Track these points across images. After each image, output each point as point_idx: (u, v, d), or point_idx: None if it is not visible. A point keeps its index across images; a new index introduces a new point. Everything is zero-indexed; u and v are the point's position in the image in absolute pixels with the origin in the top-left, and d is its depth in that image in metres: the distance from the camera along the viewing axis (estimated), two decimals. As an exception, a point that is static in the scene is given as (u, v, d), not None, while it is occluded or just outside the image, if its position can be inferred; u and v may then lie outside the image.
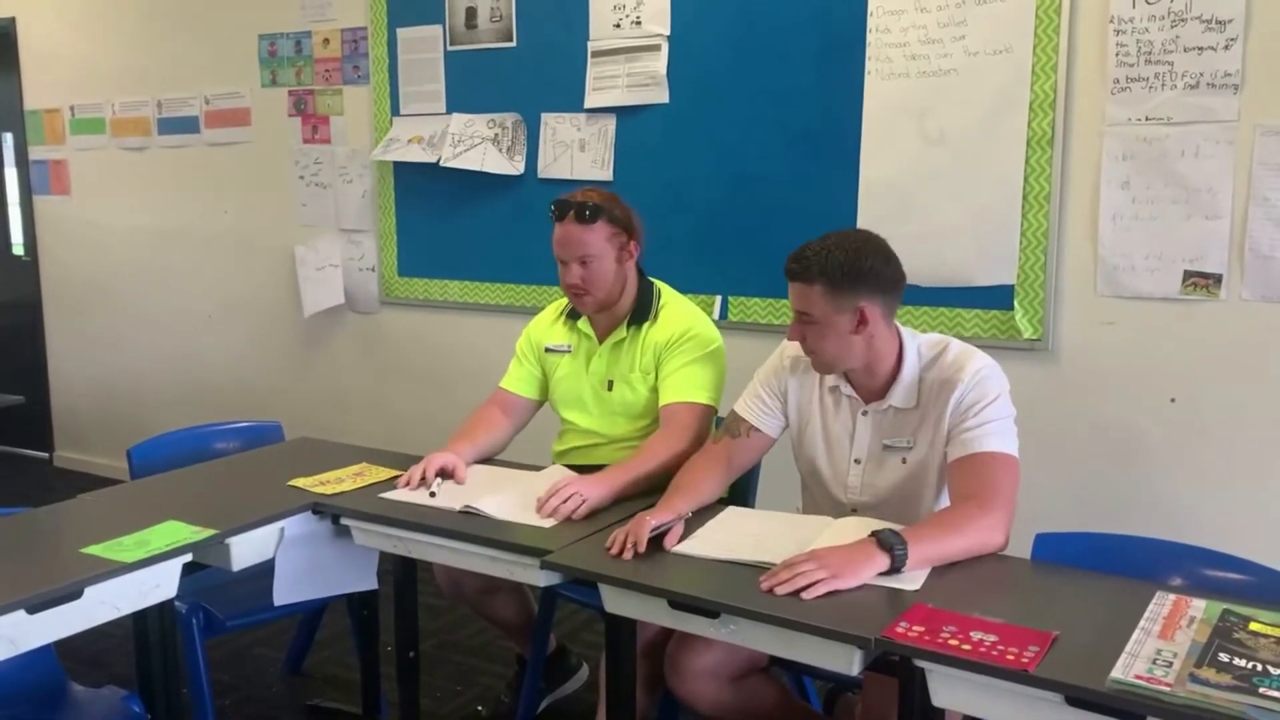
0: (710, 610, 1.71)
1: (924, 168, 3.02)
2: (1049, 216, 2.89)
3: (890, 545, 1.77)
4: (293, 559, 2.22)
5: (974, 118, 2.95)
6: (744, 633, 1.69)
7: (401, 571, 2.44)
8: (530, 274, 3.78)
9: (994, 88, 2.91)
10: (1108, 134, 2.80)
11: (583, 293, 2.50)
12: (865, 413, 2.13)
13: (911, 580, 1.77)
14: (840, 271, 2.00)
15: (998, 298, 2.98)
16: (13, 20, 5.08)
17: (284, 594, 2.23)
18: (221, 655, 3.10)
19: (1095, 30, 2.79)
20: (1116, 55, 2.76)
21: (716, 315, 3.41)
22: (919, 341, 2.11)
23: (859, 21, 3.07)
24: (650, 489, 2.26)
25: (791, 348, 2.21)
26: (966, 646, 1.51)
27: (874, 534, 1.81)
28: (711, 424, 2.48)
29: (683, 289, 3.49)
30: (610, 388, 2.57)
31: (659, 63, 3.42)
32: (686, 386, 2.46)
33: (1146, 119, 2.75)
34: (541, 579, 1.97)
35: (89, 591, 1.82)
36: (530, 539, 2.01)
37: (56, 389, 5.37)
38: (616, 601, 1.86)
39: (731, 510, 2.18)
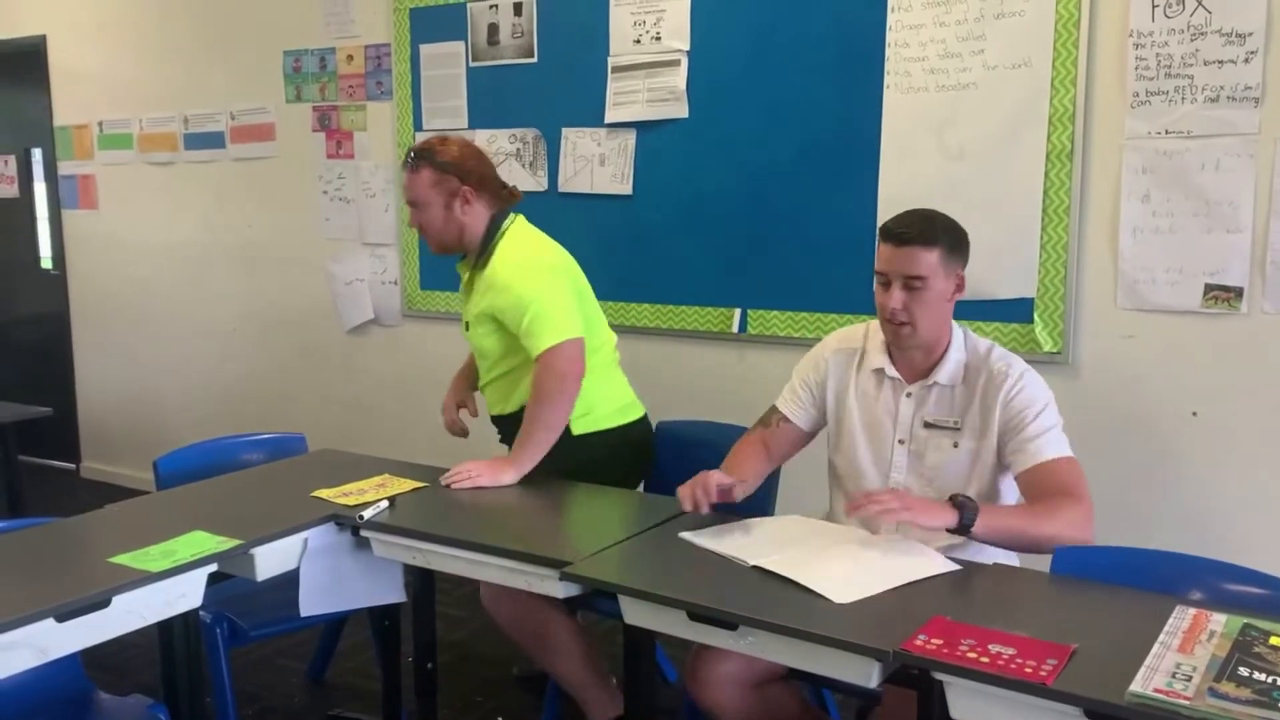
0: (729, 622, 1.72)
1: (943, 182, 3.02)
2: (1069, 230, 2.89)
3: (961, 505, 1.89)
4: (317, 570, 2.24)
5: (993, 131, 2.96)
6: (763, 645, 1.70)
7: (420, 583, 2.47)
8: (551, 287, 3.80)
9: (1013, 102, 2.92)
10: (1128, 147, 2.80)
11: (422, 236, 2.70)
12: (909, 394, 2.17)
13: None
14: (956, 236, 2.09)
15: (1017, 311, 2.98)
16: (43, 38, 5.17)
17: (310, 605, 2.25)
18: (243, 665, 3.12)
19: (1115, 44, 2.80)
20: (1136, 69, 2.76)
21: (736, 328, 3.43)
22: (958, 326, 2.20)
23: (878, 36, 3.08)
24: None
25: (834, 341, 2.30)
26: (985, 659, 1.51)
27: (951, 496, 1.93)
28: (570, 356, 2.52)
29: (702, 302, 3.55)
30: (468, 329, 2.72)
31: (679, 78, 3.44)
32: (531, 340, 2.54)
33: (1166, 132, 2.74)
34: (560, 590, 1.98)
35: (117, 600, 1.85)
36: (550, 549, 2.02)
37: (83, 401, 5.44)
38: (636, 613, 1.87)
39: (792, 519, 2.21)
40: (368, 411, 4.41)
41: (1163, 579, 1.85)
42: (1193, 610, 1.67)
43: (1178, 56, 2.71)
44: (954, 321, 2.18)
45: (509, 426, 2.71)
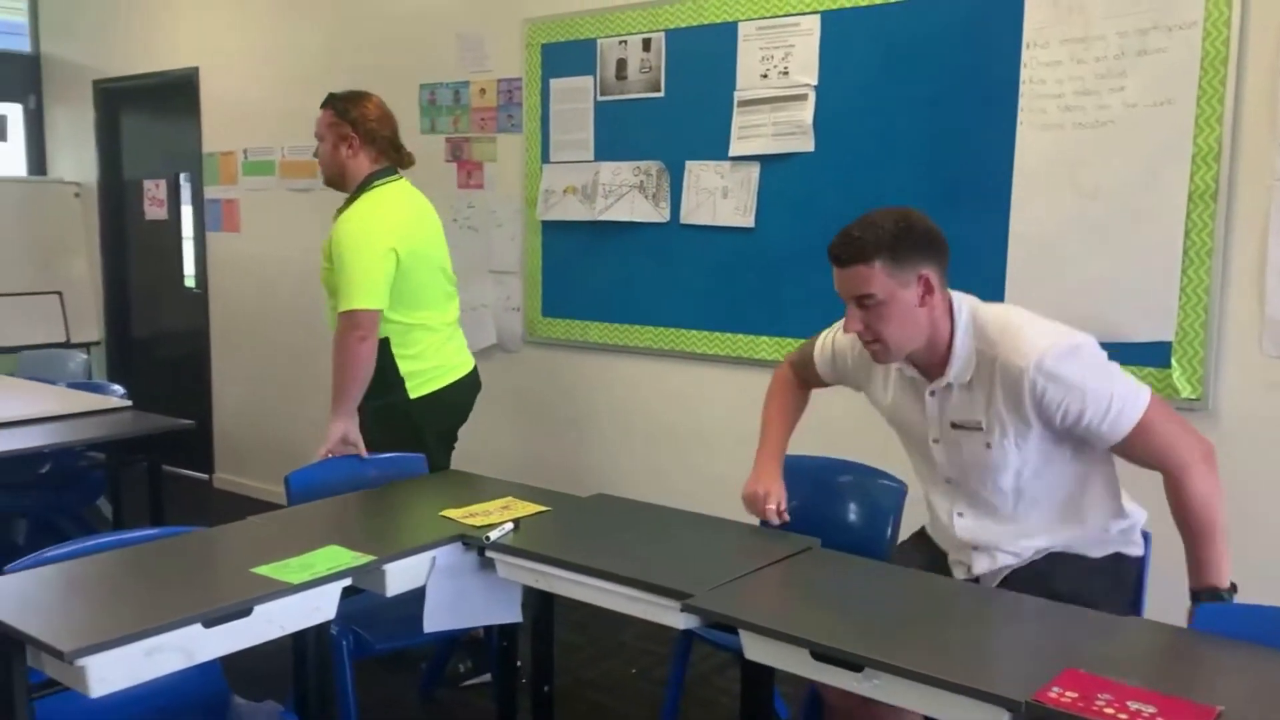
0: (854, 663, 1.70)
1: (1077, 220, 2.96)
2: (1211, 272, 2.79)
3: (1206, 600, 1.90)
4: (442, 587, 2.30)
5: (1132, 171, 2.88)
6: (888, 688, 1.68)
7: (540, 605, 2.50)
8: (670, 317, 3.84)
9: (1154, 140, 2.84)
10: (1277, 187, 2.70)
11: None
12: (932, 393, 2.11)
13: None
14: (896, 242, 1.96)
15: (1154, 355, 2.88)
16: (196, 70, 5.48)
17: (433, 621, 2.31)
18: (358, 677, 3.21)
19: (1264, 81, 2.70)
20: (1288, 107, 2.67)
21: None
22: (967, 309, 2.06)
23: (1012, 72, 3.04)
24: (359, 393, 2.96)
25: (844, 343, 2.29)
26: (1123, 716, 1.46)
27: (1193, 601, 1.92)
28: (359, 322, 2.90)
29: (822, 335, 3.52)
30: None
31: (805, 112, 3.45)
32: (339, 295, 2.94)
33: (1320, 173, 2.63)
34: (681, 621, 1.99)
35: (258, 609, 1.92)
36: (672, 580, 2.03)
37: (219, 414, 5.69)
38: (757, 649, 1.86)
39: None
40: (488, 434, 4.50)
41: (1313, 642, 1.76)
42: (1349, 677, 1.59)
43: (1334, 95, 2.60)
44: (959, 302, 2.06)
45: None
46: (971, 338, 2.03)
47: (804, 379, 2.49)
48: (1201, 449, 1.96)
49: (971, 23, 3.12)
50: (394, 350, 3.05)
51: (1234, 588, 1.93)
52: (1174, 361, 2.85)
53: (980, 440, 2.06)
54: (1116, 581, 2.12)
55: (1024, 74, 3.02)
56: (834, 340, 2.35)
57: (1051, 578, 2.06)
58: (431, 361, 3.14)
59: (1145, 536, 2.19)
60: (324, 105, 3.10)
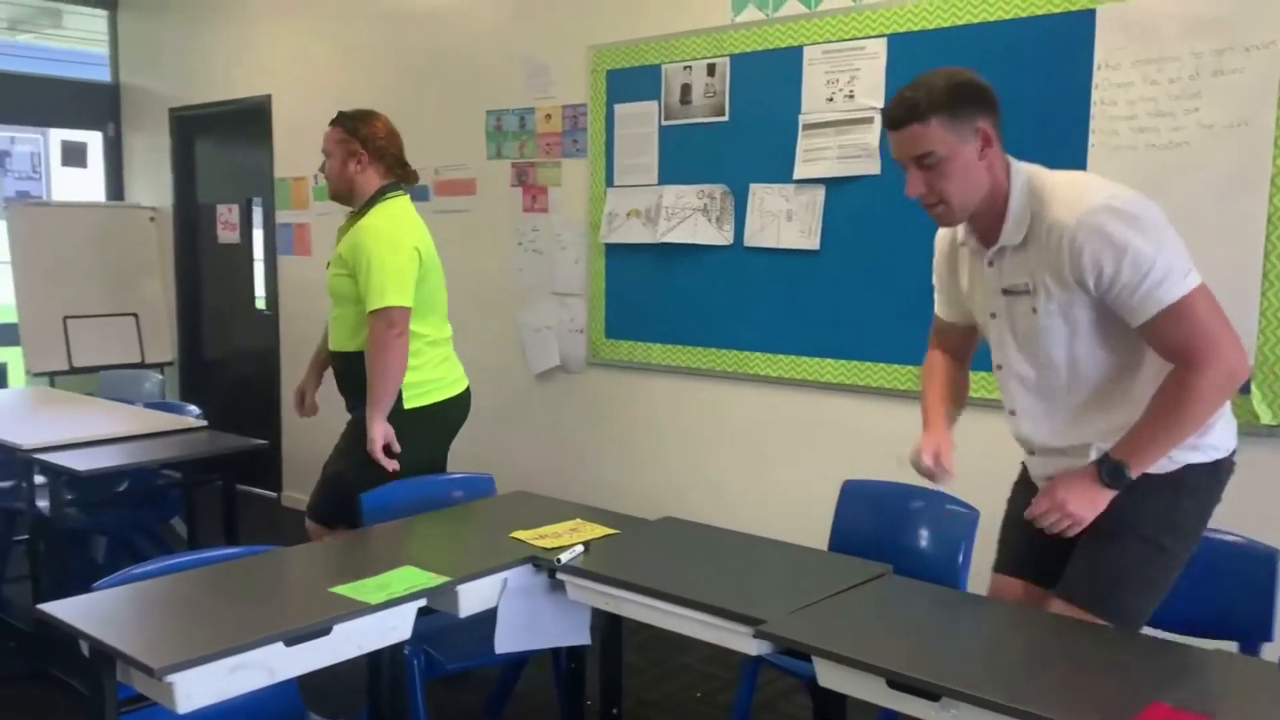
0: (932, 693, 1.69)
1: (1151, 243, 2.91)
2: (1292, 296, 2.73)
3: (1107, 472, 1.91)
4: (514, 609, 2.32)
5: (1207, 192, 2.83)
6: (966, 719, 1.66)
7: (608, 628, 2.52)
8: (735, 339, 3.85)
9: (1230, 162, 2.79)
10: (1361, 210, 2.64)
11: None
12: (990, 262, 2.06)
13: None
14: (951, 96, 1.92)
15: (1232, 380, 2.82)
16: (268, 97, 5.62)
17: (504, 643, 2.33)
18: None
19: (1347, 101, 2.65)
20: (1372, 127, 2.61)
21: (925, 388, 3.37)
22: (1025, 171, 1.99)
23: (1082, 93, 3.01)
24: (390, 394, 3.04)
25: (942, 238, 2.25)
26: (1212, 753, 1.43)
27: (1096, 465, 1.93)
28: (392, 319, 2.99)
29: (891, 360, 3.51)
30: (329, 268, 3.17)
31: (871, 135, 3.45)
32: (367, 294, 3.01)
33: (1407, 194, 2.57)
34: (754, 648, 1.99)
35: (337, 629, 1.96)
36: (744, 605, 2.03)
37: (287, 433, 5.80)
38: (831, 676, 1.85)
39: None
40: (551, 455, 4.54)
41: None
42: None
43: None
44: (1015, 165, 1.99)
45: (346, 363, 3.20)
46: (1026, 197, 1.96)
47: (947, 347, 2.39)
48: (1232, 362, 1.84)
49: (1040, 45, 3.10)
50: None
51: (1132, 481, 1.91)
52: (1254, 387, 2.79)
53: (1027, 304, 1.99)
54: (1175, 501, 1.98)
55: (1095, 95, 2.99)
56: (934, 280, 2.34)
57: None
58: (431, 374, 3.19)
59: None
60: (333, 123, 3.20)
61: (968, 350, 2.40)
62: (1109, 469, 1.91)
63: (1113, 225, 1.84)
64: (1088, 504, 1.93)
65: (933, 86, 1.94)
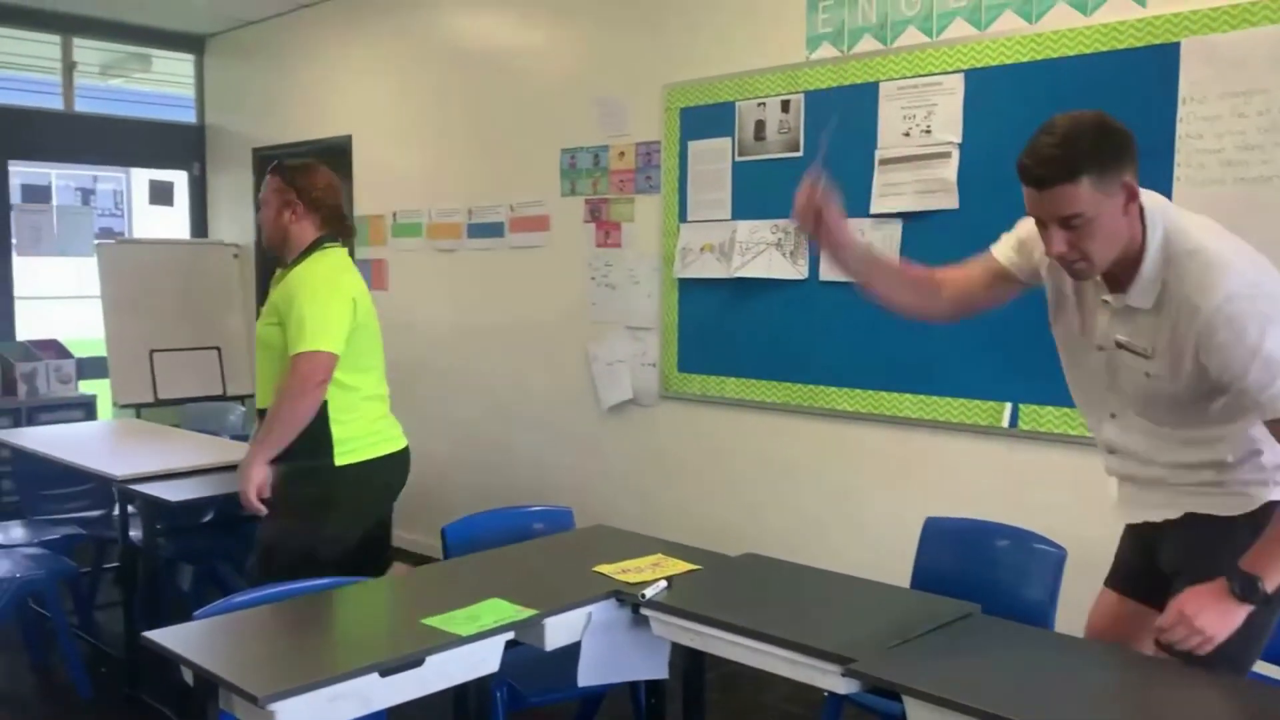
0: (1029, 735, 1.67)
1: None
2: (1391, 331, 2.66)
3: (1242, 587, 1.80)
4: (598, 643, 2.33)
5: (1300, 226, 2.78)
6: (1066, 762, 1.64)
7: (690, 663, 2.52)
8: (810, 374, 3.84)
9: (1324, 194, 2.74)
10: None
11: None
12: (1106, 301, 1.99)
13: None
14: (1102, 151, 1.80)
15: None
16: (349, 137, 5.78)
17: (587, 676, 2.34)
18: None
19: None
20: None
21: (1006, 423, 3.34)
22: (1161, 228, 1.88)
23: (1168, 126, 2.98)
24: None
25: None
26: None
27: (1226, 579, 1.82)
28: (317, 364, 2.86)
29: (969, 394, 3.48)
30: (258, 317, 3.09)
31: (949, 170, 3.44)
32: (291, 338, 2.89)
33: None
34: (842, 686, 1.97)
35: (430, 660, 2.00)
36: (831, 643, 2.02)
37: (363, 465, 5.89)
38: (923, 717, 1.83)
39: None
40: (624, 488, 4.57)
41: None
42: None
43: None
44: (1153, 215, 1.88)
45: None
46: (1161, 262, 1.87)
47: (951, 279, 2.26)
48: None
49: (1121, 79, 3.07)
50: (330, 412, 2.95)
51: (1269, 598, 1.81)
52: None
53: (1141, 367, 1.94)
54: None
55: (1180, 129, 2.96)
56: (1018, 234, 2.20)
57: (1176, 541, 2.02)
58: (364, 429, 3.03)
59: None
60: (271, 171, 3.14)
61: (961, 301, 2.27)
62: (1241, 582, 1.81)
63: (1246, 321, 1.77)
64: (1218, 620, 1.82)
65: (1079, 141, 1.81)
